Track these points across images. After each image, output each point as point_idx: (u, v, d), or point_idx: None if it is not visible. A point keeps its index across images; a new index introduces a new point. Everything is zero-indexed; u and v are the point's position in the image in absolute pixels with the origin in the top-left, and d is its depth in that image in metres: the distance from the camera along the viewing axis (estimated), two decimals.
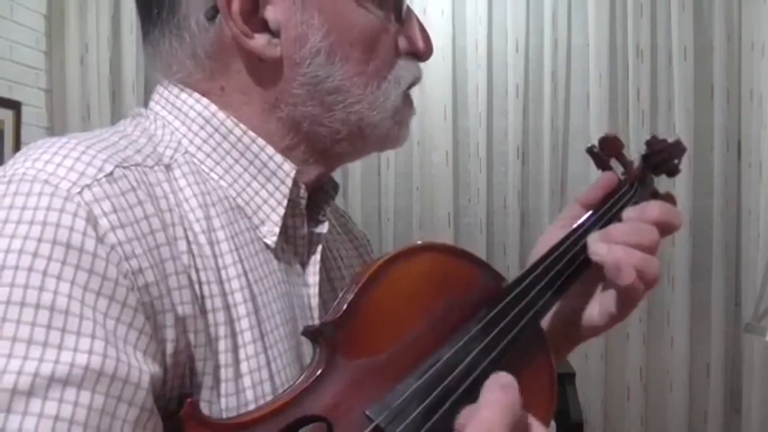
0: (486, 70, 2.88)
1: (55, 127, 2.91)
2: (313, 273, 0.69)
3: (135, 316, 0.54)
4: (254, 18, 0.65)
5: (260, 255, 0.65)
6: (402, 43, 0.70)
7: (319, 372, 0.57)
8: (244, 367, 0.60)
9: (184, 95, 0.67)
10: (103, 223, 0.54)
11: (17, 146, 2.66)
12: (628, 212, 0.73)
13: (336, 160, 0.73)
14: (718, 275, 2.80)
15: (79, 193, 0.54)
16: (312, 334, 0.59)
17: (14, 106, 2.68)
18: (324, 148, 0.69)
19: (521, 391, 0.58)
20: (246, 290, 0.62)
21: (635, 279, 0.68)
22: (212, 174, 0.66)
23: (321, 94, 0.67)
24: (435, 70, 2.86)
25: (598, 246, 0.70)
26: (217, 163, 0.66)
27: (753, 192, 2.79)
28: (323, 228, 0.71)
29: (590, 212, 0.75)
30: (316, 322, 0.67)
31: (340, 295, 0.61)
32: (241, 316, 0.61)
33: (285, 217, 0.67)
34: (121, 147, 0.61)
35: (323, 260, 0.73)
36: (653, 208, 0.72)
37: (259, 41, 0.65)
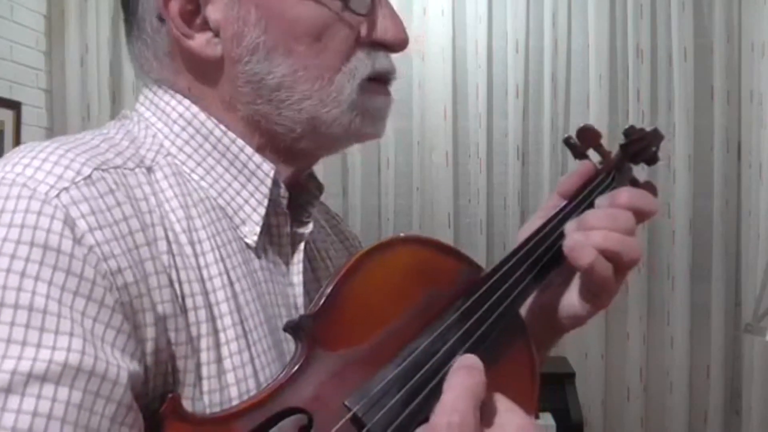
0: (486, 71, 2.88)
1: (55, 128, 2.91)
2: (297, 272, 0.69)
3: (113, 315, 0.54)
4: (196, 18, 0.66)
5: (241, 254, 0.65)
6: (365, 32, 0.68)
7: (298, 365, 0.58)
8: (227, 364, 0.61)
9: (167, 96, 0.68)
10: (81, 224, 0.55)
11: (17, 146, 2.65)
12: (600, 200, 0.74)
13: (305, 158, 0.71)
14: (718, 275, 2.81)
15: (57, 196, 0.55)
16: (292, 328, 0.60)
17: (14, 106, 2.68)
18: (286, 146, 0.69)
19: (501, 379, 0.59)
20: (228, 288, 0.63)
21: (594, 261, 0.68)
22: (193, 174, 0.66)
23: (266, 92, 0.66)
24: (435, 71, 2.85)
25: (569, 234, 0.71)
26: (199, 164, 0.67)
27: (753, 192, 2.79)
28: (307, 228, 0.71)
29: (567, 201, 0.76)
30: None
31: (321, 289, 0.62)
32: (223, 313, 0.62)
33: (267, 217, 0.68)
34: (102, 150, 0.62)
35: (311, 260, 0.74)
36: (622, 194, 0.72)
37: (198, 41, 0.66)
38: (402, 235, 0.67)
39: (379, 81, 0.70)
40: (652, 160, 0.83)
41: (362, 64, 0.68)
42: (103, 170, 0.59)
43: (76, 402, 0.50)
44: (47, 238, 0.53)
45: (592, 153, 0.80)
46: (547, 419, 2.40)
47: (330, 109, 0.67)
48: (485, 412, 0.58)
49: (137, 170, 0.63)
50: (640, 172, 0.84)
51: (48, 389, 0.50)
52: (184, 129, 0.67)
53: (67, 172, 0.57)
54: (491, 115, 2.90)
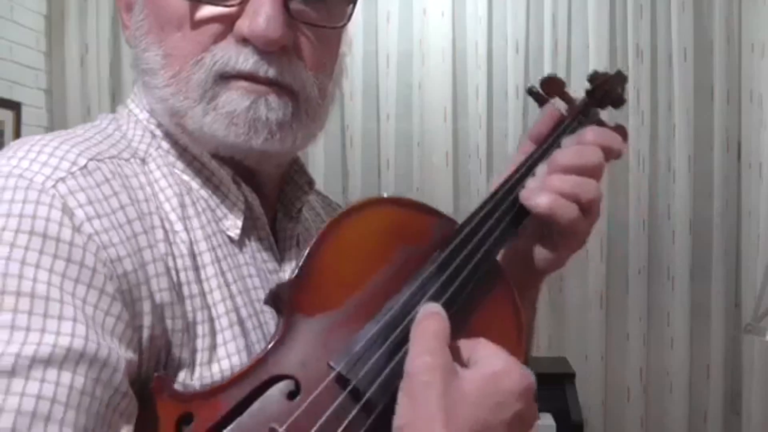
0: (486, 72, 2.87)
1: (55, 128, 2.91)
2: (290, 269, 0.69)
3: (112, 303, 0.55)
4: (132, 8, 0.69)
5: (225, 248, 0.65)
6: (230, 26, 0.64)
7: (280, 334, 0.59)
8: (221, 351, 0.61)
9: (146, 94, 0.69)
10: (79, 214, 0.55)
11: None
12: (566, 140, 0.74)
13: (231, 162, 0.68)
14: (717, 276, 2.80)
15: (54, 186, 0.56)
16: (271, 298, 0.61)
17: (14, 106, 2.68)
18: (184, 146, 0.68)
19: (484, 325, 0.61)
20: (220, 277, 0.63)
21: (551, 204, 0.68)
22: (175, 169, 0.67)
23: (144, 77, 0.67)
24: (435, 72, 2.85)
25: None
26: (177, 158, 0.67)
27: (753, 193, 2.79)
28: (297, 225, 0.71)
29: (536, 146, 0.76)
30: None
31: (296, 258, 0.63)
32: (216, 301, 0.62)
33: (249, 211, 0.68)
34: (96, 142, 0.63)
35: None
36: (588, 132, 0.73)
37: (129, 29, 0.69)
38: (370, 197, 0.67)
39: (240, 78, 0.63)
40: (618, 102, 0.83)
41: (222, 57, 0.63)
42: (98, 160, 0.60)
43: (79, 387, 0.50)
44: (46, 226, 0.53)
45: (559, 104, 0.81)
46: (547, 419, 2.40)
47: (183, 98, 0.64)
48: (464, 354, 0.59)
49: (132, 160, 0.63)
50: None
51: (52, 373, 0.50)
52: (158, 126, 0.68)
53: (63, 163, 0.58)
54: (491, 115, 2.90)
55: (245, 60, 0.63)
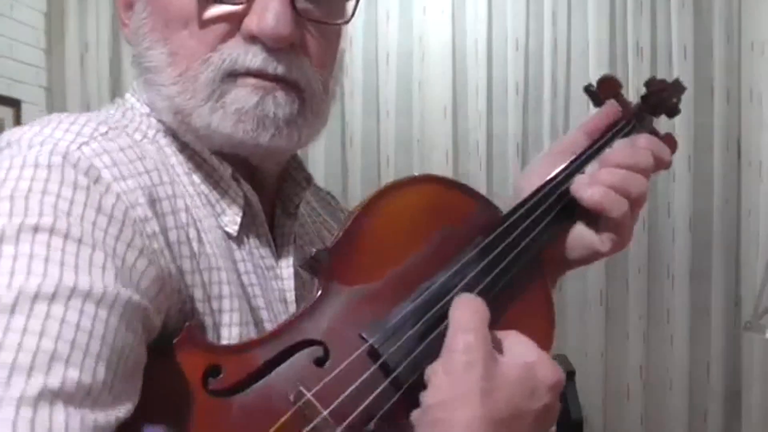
0: (486, 69, 2.87)
1: None
2: (287, 266, 0.69)
3: (139, 257, 0.55)
4: (131, 5, 0.69)
5: (222, 243, 0.65)
6: (238, 24, 0.64)
7: (315, 298, 0.59)
8: (224, 333, 0.61)
9: (148, 91, 0.68)
10: (106, 174, 0.56)
11: None
12: (619, 142, 0.75)
13: (231, 158, 0.68)
14: (717, 274, 2.80)
15: (78, 148, 0.56)
16: (309, 262, 0.61)
17: (14, 104, 2.68)
18: (186, 142, 0.67)
19: (517, 316, 0.62)
20: (223, 260, 0.64)
21: (602, 198, 0.69)
22: (174, 161, 0.67)
23: (147, 75, 0.67)
24: (435, 70, 2.85)
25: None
26: (174, 154, 0.67)
27: (753, 191, 2.79)
28: (294, 222, 0.71)
29: (589, 143, 0.77)
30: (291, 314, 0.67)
31: (340, 225, 0.63)
32: (222, 281, 0.62)
33: (248, 208, 0.68)
34: (109, 119, 0.63)
35: (302, 247, 0.73)
36: (641, 138, 0.75)
37: (128, 28, 0.69)
38: (419, 174, 0.68)
39: (249, 76, 0.64)
40: (672, 111, 0.84)
41: (230, 55, 0.63)
42: (119, 129, 0.61)
43: (114, 325, 0.50)
44: (76, 178, 0.54)
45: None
46: None
47: (190, 97, 0.64)
48: (500, 341, 0.60)
49: (144, 140, 0.64)
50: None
51: (90, 306, 0.49)
52: (158, 122, 0.68)
53: (85, 129, 0.58)
54: (491, 113, 2.90)
55: (254, 57, 0.63)
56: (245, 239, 0.68)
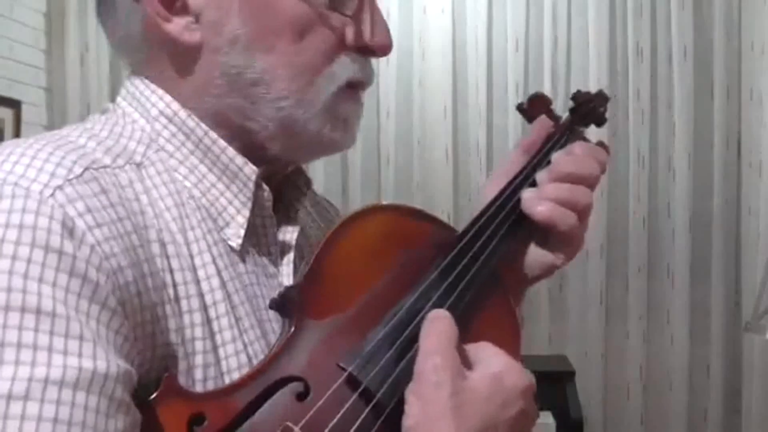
0: (486, 68, 2.87)
1: (55, 126, 2.90)
2: (287, 274, 0.68)
3: (113, 317, 0.53)
4: (177, 0, 0.64)
5: (227, 257, 0.64)
6: (350, 36, 0.66)
7: (288, 336, 0.60)
8: (224, 366, 0.61)
9: (147, 91, 0.67)
10: (80, 223, 0.53)
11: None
12: (555, 155, 0.78)
13: (275, 163, 0.69)
14: (717, 274, 2.80)
15: (52, 195, 0.54)
16: (278, 301, 0.62)
17: (14, 104, 2.68)
18: (257, 146, 0.66)
19: (484, 329, 0.65)
20: (222, 290, 0.62)
21: (551, 212, 0.72)
22: (176, 174, 0.65)
23: (243, 86, 0.64)
24: (435, 68, 2.85)
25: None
26: (181, 163, 0.65)
27: (753, 191, 2.79)
28: (295, 229, 0.70)
29: (528, 158, 0.80)
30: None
31: (303, 261, 0.64)
32: (220, 315, 0.61)
33: (252, 219, 0.66)
34: (90, 149, 0.60)
35: (301, 255, 0.72)
36: (576, 146, 0.78)
37: (176, 25, 0.63)
38: (374, 204, 0.70)
39: (354, 88, 0.68)
40: (600, 120, 0.88)
41: (344, 68, 0.65)
42: (94, 169, 0.58)
43: (93, 407, 0.49)
44: (48, 238, 0.52)
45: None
46: (547, 417, 2.40)
47: (305, 110, 0.64)
48: (469, 356, 0.61)
49: (127, 167, 0.61)
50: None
51: (67, 394, 0.49)
52: (165, 127, 0.65)
53: (59, 170, 0.56)
54: (491, 112, 2.90)
55: (363, 70, 0.67)
56: (250, 250, 0.67)
